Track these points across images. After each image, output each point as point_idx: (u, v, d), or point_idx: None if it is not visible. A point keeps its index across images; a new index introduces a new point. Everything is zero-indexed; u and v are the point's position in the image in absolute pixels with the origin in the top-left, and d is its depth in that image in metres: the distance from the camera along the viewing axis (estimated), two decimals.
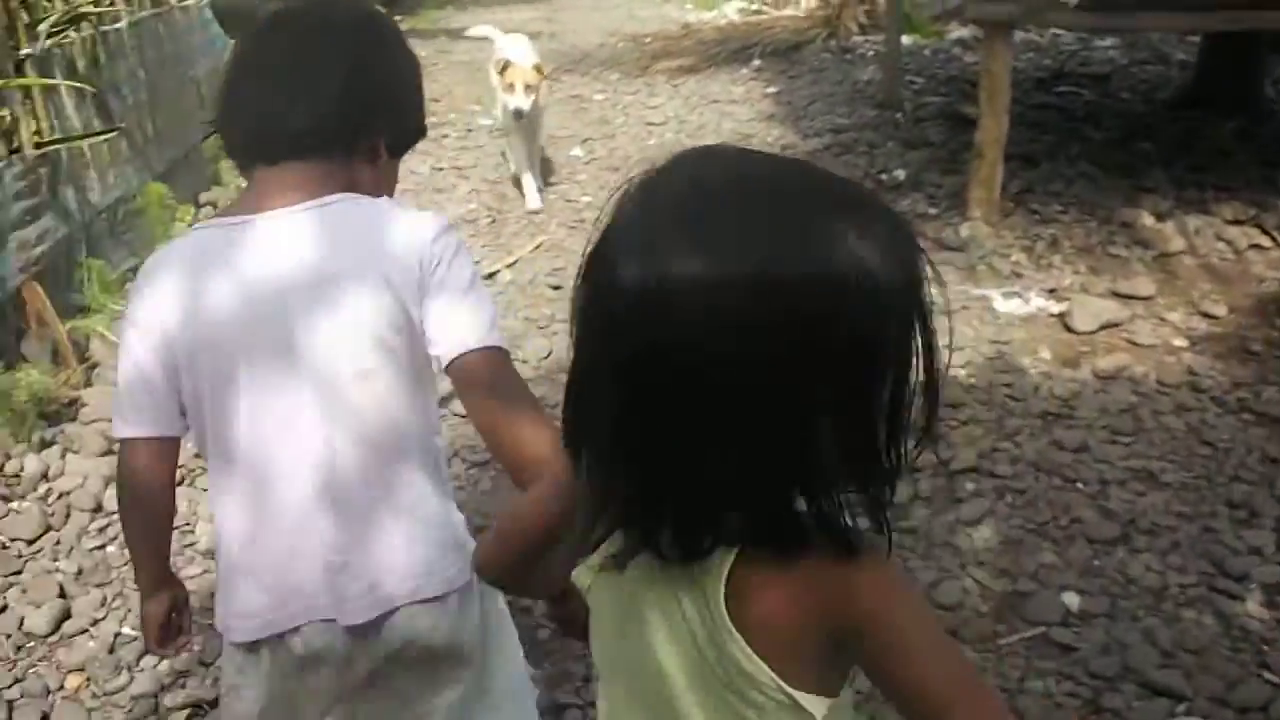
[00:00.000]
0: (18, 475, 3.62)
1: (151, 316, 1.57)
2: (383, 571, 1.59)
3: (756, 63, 9.03)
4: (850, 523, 1.00)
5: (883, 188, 5.89)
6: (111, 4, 5.42)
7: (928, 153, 6.25)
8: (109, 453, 3.71)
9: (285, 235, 1.54)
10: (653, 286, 0.92)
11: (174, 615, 1.78)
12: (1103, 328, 4.34)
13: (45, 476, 3.65)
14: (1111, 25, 6.35)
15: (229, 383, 1.55)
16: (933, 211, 5.47)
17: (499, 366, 1.54)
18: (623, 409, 0.97)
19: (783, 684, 1.01)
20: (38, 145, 4.45)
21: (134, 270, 4.92)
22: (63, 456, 3.73)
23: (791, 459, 0.95)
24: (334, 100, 1.58)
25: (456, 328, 1.52)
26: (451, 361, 1.52)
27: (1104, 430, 3.69)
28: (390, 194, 1.69)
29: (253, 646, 1.64)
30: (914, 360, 0.96)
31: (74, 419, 3.93)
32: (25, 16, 4.55)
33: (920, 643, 1.01)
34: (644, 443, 0.97)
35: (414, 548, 1.61)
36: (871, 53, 8.65)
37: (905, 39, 8.08)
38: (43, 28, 4.66)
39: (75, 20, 5.04)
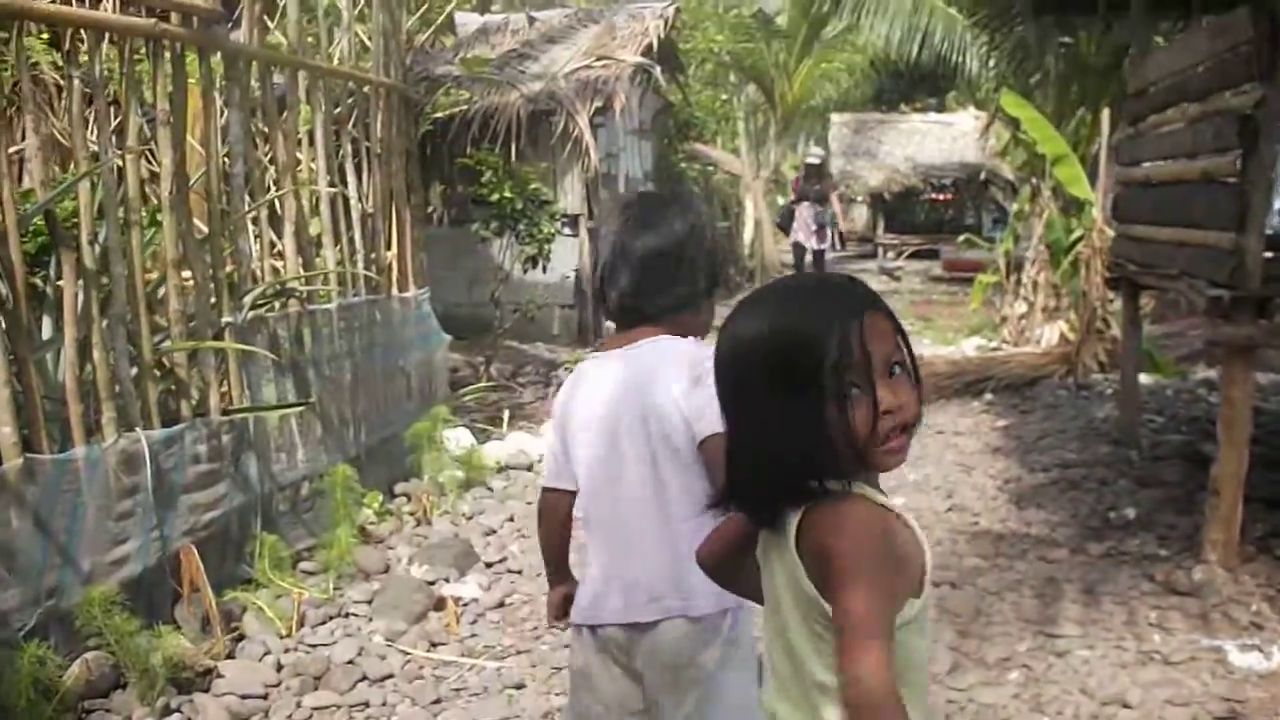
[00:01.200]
0: None
1: (559, 410, 2.44)
2: (661, 590, 2.30)
3: (988, 397, 8.73)
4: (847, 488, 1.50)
5: (1110, 526, 5.41)
6: (324, 282, 5.48)
7: (1162, 492, 5.71)
8: None
9: (630, 362, 2.34)
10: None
11: (567, 602, 2.49)
12: None
13: None
14: None
15: (589, 455, 2.37)
16: (1163, 553, 4.94)
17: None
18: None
19: (820, 598, 1.45)
20: (225, 412, 4.47)
21: (309, 550, 4.93)
22: None
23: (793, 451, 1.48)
24: (671, 283, 2.33)
25: (704, 417, 2.19)
26: (701, 441, 2.22)
27: None
28: (707, 328, 2.36)
29: (580, 630, 2.42)
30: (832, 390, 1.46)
31: (206, 689, 3.73)
32: (234, 283, 4.64)
33: (849, 576, 1.41)
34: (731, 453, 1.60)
35: (685, 579, 2.23)
36: (1109, 390, 8.20)
37: (1147, 378, 7.65)
38: (248, 299, 4.73)
39: (282, 295, 5.13)
